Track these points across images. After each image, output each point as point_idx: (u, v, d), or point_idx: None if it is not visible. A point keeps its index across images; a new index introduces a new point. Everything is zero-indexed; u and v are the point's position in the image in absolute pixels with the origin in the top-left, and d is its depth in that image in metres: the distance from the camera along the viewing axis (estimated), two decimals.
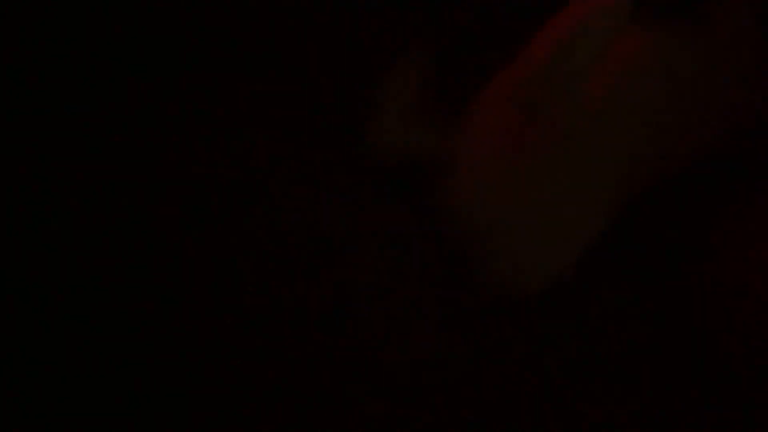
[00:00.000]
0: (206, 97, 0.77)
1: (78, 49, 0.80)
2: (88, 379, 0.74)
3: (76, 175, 0.77)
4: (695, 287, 0.70)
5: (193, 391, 0.72)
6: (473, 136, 0.69)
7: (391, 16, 0.74)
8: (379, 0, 0.74)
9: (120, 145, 0.77)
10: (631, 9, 0.66)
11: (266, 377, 0.71)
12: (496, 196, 0.68)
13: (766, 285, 0.64)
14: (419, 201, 0.70)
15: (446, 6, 0.73)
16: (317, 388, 0.70)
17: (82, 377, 0.74)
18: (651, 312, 0.70)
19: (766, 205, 0.68)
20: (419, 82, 0.71)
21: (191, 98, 0.77)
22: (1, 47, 0.79)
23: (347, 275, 0.71)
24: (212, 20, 0.78)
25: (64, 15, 0.80)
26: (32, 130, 0.78)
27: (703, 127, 0.72)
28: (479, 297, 0.68)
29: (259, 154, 0.75)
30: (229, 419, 0.71)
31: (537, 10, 0.69)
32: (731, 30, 0.73)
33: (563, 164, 0.68)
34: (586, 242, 0.69)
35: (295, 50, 0.77)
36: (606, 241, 0.70)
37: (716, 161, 0.71)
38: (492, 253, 0.69)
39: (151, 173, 0.76)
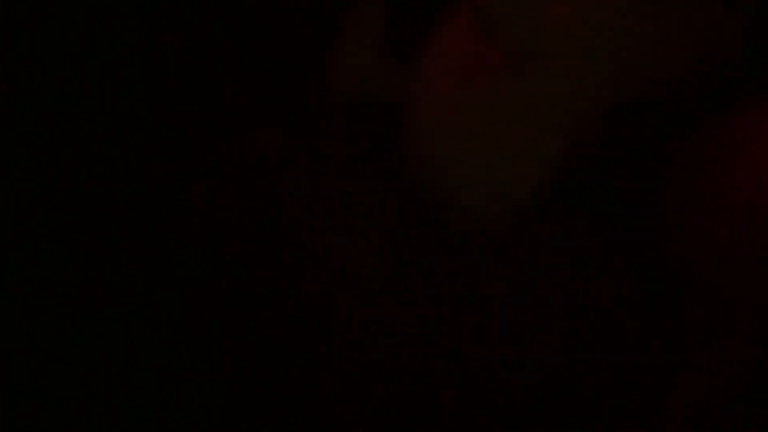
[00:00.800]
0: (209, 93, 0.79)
1: (83, 48, 0.81)
2: (81, 382, 0.75)
3: (84, 171, 0.78)
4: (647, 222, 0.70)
5: (185, 390, 0.73)
6: (432, 66, 0.68)
7: None
8: None
9: (124, 143, 0.78)
10: None
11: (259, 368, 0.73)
12: (456, 125, 0.68)
13: (706, 220, 0.65)
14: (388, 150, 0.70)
15: None
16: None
17: (79, 379, 0.75)
18: (610, 252, 0.71)
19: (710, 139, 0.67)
20: (379, 23, 0.71)
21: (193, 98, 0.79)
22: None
23: (338, 275, 0.73)
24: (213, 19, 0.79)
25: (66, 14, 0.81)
26: (36, 129, 0.79)
27: (668, 57, 0.70)
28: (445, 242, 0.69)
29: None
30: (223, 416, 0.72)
31: None
32: None
33: (524, 86, 0.67)
34: (549, 169, 0.68)
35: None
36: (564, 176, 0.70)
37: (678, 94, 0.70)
38: (454, 185, 0.69)
39: (153, 171, 0.77)
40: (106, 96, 0.78)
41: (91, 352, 0.74)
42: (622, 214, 0.70)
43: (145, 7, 0.79)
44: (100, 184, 0.76)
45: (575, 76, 0.68)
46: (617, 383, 0.68)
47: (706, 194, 0.65)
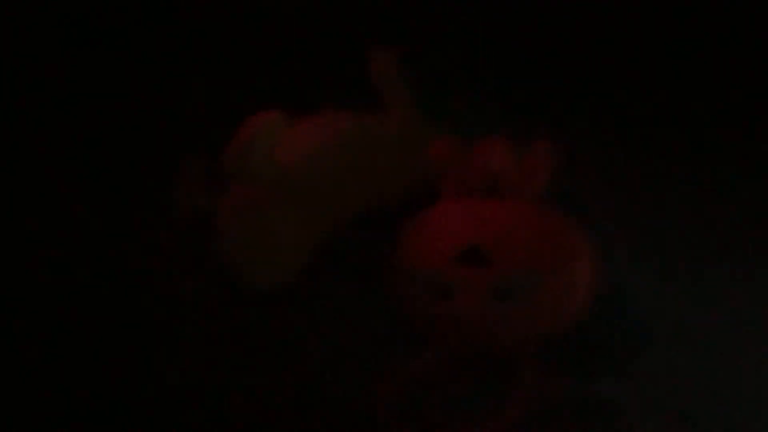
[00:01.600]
0: None
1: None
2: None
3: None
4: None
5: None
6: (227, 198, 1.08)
7: None
8: None
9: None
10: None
11: None
12: (239, 231, 1.07)
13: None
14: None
15: None
16: None
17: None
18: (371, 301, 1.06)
19: None
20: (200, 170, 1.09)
21: None
22: None
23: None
24: None
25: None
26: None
27: (376, 188, 1.11)
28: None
29: None
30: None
31: None
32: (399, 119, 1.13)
33: (271, 210, 1.07)
34: (302, 259, 1.08)
35: None
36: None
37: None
38: (238, 264, 1.07)
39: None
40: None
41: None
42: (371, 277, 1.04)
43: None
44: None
45: (304, 201, 1.07)
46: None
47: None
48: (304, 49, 1.32)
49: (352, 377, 1.01)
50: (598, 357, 1.00)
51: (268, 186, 1.05)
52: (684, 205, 1.11)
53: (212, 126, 1.08)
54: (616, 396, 1.00)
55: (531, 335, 0.97)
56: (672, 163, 1.17)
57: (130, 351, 1.03)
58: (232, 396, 1.00)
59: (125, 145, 1.23)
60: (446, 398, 0.99)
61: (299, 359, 1.03)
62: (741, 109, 1.24)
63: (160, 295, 1.08)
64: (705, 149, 1.20)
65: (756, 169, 1.18)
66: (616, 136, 1.19)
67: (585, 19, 1.30)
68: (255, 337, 1.04)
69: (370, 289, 1.05)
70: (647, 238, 1.07)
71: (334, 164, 1.08)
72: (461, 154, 1.00)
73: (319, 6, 1.35)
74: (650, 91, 1.24)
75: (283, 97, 1.05)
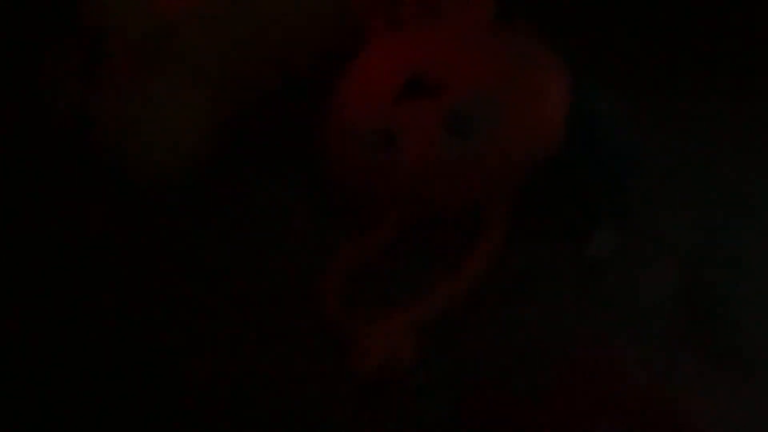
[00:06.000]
0: None
1: None
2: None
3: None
4: None
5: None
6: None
7: None
8: None
9: None
10: None
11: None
12: (117, 113, 0.84)
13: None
14: None
15: None
16: None
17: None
18: None
19: None
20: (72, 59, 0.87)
21: None
22: None
23: None
24: None
25: None
26: None
27: (288, 44, 0.85)
28: None
29: None
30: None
31: None
32: None
33: (153, 81, 0.84)
34: (202, 141, 0.85)
35: None
36: None
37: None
38: (123, 156, 0.85)
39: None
40: None
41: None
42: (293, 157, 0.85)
43: None
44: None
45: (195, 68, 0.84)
46: None
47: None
48: None
49: (287, 279, 0.82)
50: (585, 204, 0.83)
51: (145, 48, 0.83)
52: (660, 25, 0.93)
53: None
54: (608, 253, 0.82)
55: (493, 179, 0.79)
56: None
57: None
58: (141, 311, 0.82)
59: None
60: (399, 276, 0.81)
61: (221, 264, 0.84)
62: None
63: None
64: None
65: None
66: None
67: None
68: (160, 242, 0.85)
69: (291, 171, 0.86)
70: (623, 62, 0.89)
71: (231, 16, 0.84)
72: None
73: None
74: None
75: None
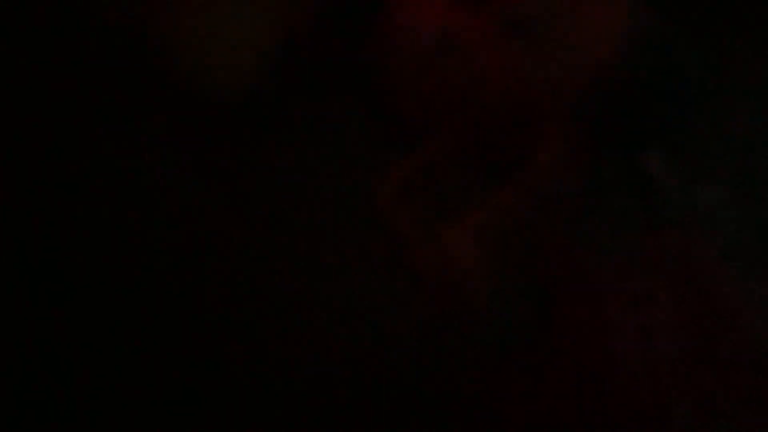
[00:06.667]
0: None
1: None
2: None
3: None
4: None
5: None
6: None
7: None
8: None
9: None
10: None
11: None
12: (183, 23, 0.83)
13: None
14: None
15: None
16: None
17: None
18: None
19: None
20: None
21: None
22: None
23: None
24: None
25: None
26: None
27: None
28: None
29: None
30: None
31: None
32: None
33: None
34: (261, 59, 0.83)
35: None
36: None
37: None
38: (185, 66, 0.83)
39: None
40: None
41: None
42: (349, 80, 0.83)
43: None
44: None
45: None
46: None
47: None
48: None
49: (346, 194, 0.81)
50: (639, 123, 0.82)
51: None
52: None
53: None
54: (661, 171, 0.81)
55: (553, 84, 0.79)
56: None
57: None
58: (197, 229, 0.80)
59: None
60: (456, 187, 0.80)
61: (280, 178, 0.83)
62: None
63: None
64: None
65: None
66: None
67: None
68: (217, 154, 0.84)
69: (348, 88, 0.86)
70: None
71: None
72: None
73: None
74: None
75: None
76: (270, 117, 0.84)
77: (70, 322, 0.78)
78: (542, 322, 0.75)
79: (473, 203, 0.78)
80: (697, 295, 0.71)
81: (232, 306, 0.78)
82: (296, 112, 0.85)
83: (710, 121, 0.82)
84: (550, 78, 0.78)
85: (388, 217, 0.79)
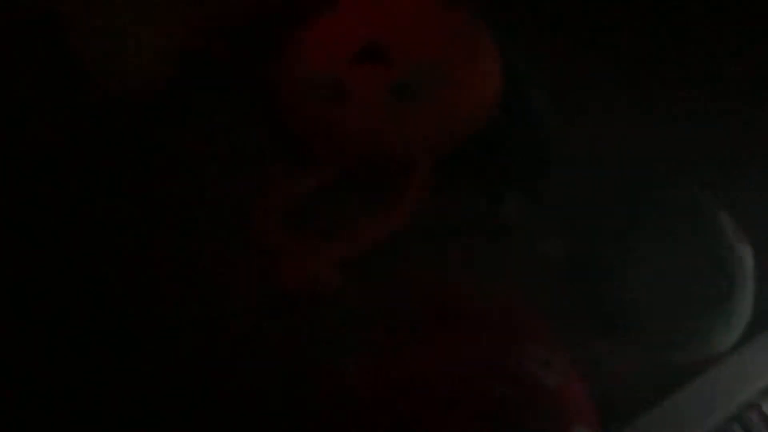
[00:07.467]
0: None
1: None
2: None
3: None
4: None
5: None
6: None
7: None
8: None
9: None
10: None
11: None
12: (93, 23, 0.89)
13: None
14: None
15: None
16: None
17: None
18: None
19: None
20: None
21: None
22: None
23: None
24: None
25: None
26: None
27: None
28: None
29: None
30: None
31: None
32: None
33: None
34: (165, 60, 0.91)
35: None
36: None
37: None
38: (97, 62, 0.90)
39: None
40: None
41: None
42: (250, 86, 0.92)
43: None
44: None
45: None
46: None
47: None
48: None
49: (229, 191, 0.91)
50: (501, 172, 0.93)
51: None
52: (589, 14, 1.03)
53: None
54: (517, 216, 0.93)
55: (429, 139, 0.89)
56: None
57: None
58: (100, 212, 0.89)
59: None
60: (329, 213, 0.91)
61: (169, 171, 0.92)
62: None
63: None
64: None
65: None
66: None
67: None
68: (116, 149, 0.92)
69: (246, 99, 0.94)
70: (552, 47, 0.99)
71: None
72: None
73: None
74: None
75: None
76: (170, 115, 0.93)
77: None
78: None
79: (342, 232, 0.89)
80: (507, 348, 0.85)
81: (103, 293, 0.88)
82: (195, 114, 0.93)
83: (562, 175, 0.94)
84: (427, 131, 0.88)
85: (262, 230, 0.89)
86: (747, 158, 1.02)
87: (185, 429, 0.86)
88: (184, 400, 0.86)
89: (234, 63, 0.93)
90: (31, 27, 0.92)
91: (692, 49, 1.04)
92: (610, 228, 0.92)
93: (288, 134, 0.92)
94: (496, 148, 0.92)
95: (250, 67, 0.93)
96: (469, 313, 0.88)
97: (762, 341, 0.97)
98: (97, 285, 0.87)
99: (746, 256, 0.93)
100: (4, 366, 0.84)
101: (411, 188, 0.90)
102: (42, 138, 0.91)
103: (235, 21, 0.93)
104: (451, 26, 0.89)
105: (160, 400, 0.85)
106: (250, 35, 0.93)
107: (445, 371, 0.83)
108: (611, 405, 0.88)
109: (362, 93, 0.86)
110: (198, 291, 0.88)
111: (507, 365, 0.83)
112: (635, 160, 0.97)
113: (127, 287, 0.87)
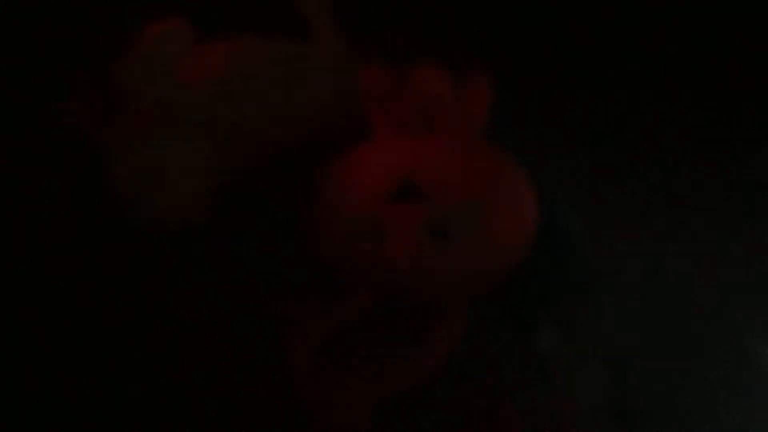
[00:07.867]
0: None
1: None
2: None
3: None
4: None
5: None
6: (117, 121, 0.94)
7: None
8: None
9: None
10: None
11: None
12: (129, 161, 0.94)
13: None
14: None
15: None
16: None
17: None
18: None
19: None
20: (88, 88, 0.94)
21: None
22: None
23: None
24: None
25: None
26: None
27: (294, 122, 0.97)
28: None
29: None
30: None
31: None
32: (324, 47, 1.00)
33: (168, 139, 0.94)
34: (205, 198, 0.96)
35: None
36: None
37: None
38: (126, 201, 0.94)
39: None
40: None
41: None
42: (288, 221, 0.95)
43: None
44: None
45: (204, 126, 0.94)
46: None
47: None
48: None
49: (265, 327, 0.92)
50: (536, 305, 0.94)
51: (166, 109, 0.92)
52: (625, 146, 1.04)
53: (104, 35, 0.96)
54: (551, 347, 0.93)
55: (465, 278, 0.90)
56: (617, 100, 1.10)
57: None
58: (132, 346, 0.92)
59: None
60: (366, 348, 0.91)
61: (205, 307, 0.94)
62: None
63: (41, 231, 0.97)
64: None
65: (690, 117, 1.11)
66: (557, 70, 1.11)
67: None
68: (154, 284, 0.95)
69: (285, 233, 0.96)
70: (589, 181, 1.00)
71: (245, 91, 0.94)
72: (393, 84, 0.92)
73: None
74: (594, 25, 1.16)
75: (197, 16, 0.94)
76: (206, 250, 0.95)
77: None
78: None
79: (375, 374, 0.90)
80: None
81: None
82: (231, 248, 0.95)
83: (596, 307, 0.94)
84: (463, 271, 0.89)
85: (295, 365, 0.90)
86: None
87: None
88: None
89: (270, 197, 0.95)
90: (71, 162, 0.94)
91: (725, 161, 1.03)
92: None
93: (323, 268, 0.93)
94: (530, 276, 0.92)
95: (287, 202, 0.94)
96: None
97: None
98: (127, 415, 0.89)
99: None
100: None
101: (445, 330, 0.90)
102: (68, 267, 0.94)
103: (272, 157, 0.95)
104: (487, 167, 0.89)
105: None
106: (287, 170, 0.95)
107: None
108: None
109: (398, 231, 0.88)
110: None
111: None
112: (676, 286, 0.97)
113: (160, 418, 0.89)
